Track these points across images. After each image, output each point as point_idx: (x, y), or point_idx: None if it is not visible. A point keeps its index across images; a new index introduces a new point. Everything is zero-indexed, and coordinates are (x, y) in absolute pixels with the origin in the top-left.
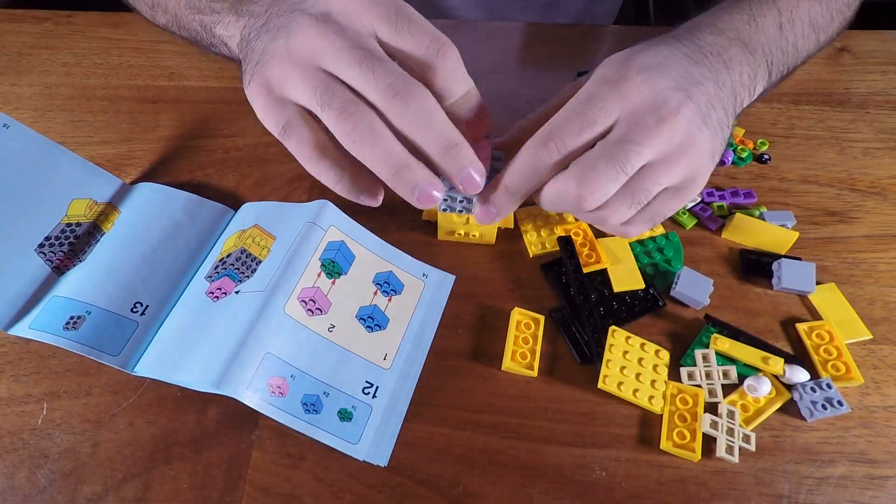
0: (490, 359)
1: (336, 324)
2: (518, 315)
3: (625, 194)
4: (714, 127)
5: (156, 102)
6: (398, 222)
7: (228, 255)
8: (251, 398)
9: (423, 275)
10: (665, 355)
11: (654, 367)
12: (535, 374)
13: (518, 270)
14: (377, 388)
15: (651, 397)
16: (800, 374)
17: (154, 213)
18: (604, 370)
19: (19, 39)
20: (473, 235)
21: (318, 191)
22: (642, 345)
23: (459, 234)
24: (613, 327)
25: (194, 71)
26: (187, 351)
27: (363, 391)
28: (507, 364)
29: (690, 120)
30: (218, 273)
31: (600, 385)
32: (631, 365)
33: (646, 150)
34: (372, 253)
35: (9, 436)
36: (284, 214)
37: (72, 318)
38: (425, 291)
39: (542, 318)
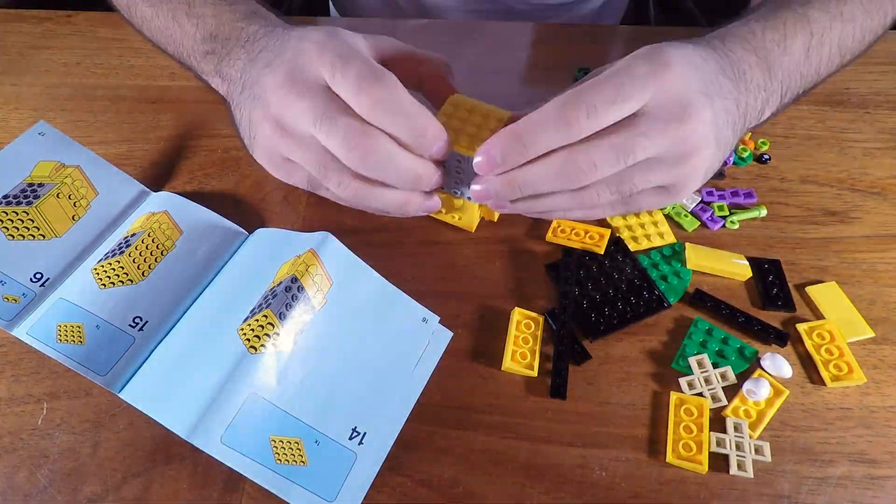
0: (490, 359)
1: (325, 363)
2: (518, 315)
3: (611, 180)
4: (720, 145)
5: (156, 102)
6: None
7: (279, 284)
8: (223, 453)
9: (423, 319)
10: None
11: None
12: (535, 374)
13: (518, 270)
14: (364, 434)
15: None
16: (782, 369)
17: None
18: None
19: (19, 39)
20: (454, 217)
21: None
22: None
23: (441, 212)
24: None
25: None
26: (173, 386)
27: (349, 437)
28: (507, 364)
29: (705, 133)
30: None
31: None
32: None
33: (654, 147)
34: (370, 292)
35: (9, 436)
36: (288, 241)
37: (70, 324)
38: (421, 338)
39: (541, 318)
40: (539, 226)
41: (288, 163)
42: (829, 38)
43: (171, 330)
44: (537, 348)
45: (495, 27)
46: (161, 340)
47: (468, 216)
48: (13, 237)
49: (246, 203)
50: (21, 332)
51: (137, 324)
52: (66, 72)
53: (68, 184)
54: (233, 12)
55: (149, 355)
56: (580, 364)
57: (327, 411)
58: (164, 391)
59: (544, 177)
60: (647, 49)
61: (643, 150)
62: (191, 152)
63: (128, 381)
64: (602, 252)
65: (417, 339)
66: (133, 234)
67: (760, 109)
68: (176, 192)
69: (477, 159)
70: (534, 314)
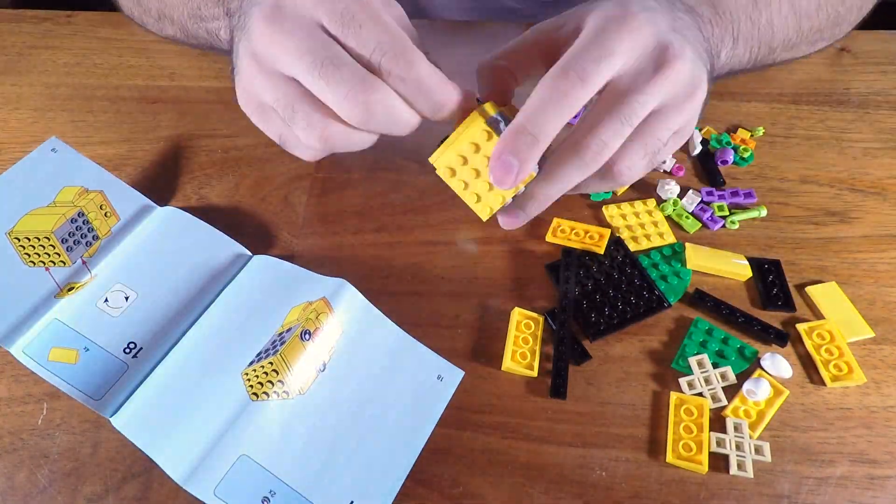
0: (490, 359)
1: (327, 424)
2: (518, 315)
3: (637, 145)
4: (705, 72)
5: (156, 102)
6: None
7: (288, 330)
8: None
9: (438, 377)
10: None
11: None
12: (535, 374)
13: (518, 270)
14: None
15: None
16: (782, 369)
17: (168, 241)
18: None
19: (19, 39)
20: (473, 197)
21: (318, 189)
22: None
23: (461, 181)
24: None
25: (194, 71)
26: (170, 422)
27: None
28: (507, 364)
29: (693, 62)
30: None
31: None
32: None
33: (652, 98)
34: (384, 345)
35: (9, 436)
36: (301, 283)
37: (67, 348)
38: (433, 399)
39: (541, 318)
40: (539, 226)
41: (263, 108)
42: None
43: (166, 355)
44: (537, 348)
45: (494, 28)
46: (155, 367)
47: (487, 200)
48: (33, 263)
49: (245, 204)
50: (17, 350)
51: (131, 350)
52: (66, 72)
53: (95, 210)
54: None
55: (143, 380)
56: (580, 364)
57: (323, 481)
58: (159, 426)
59: (566, 177)
60: (605, 2)
61: (642, 105)
62: (191, 152)
63: (119, 407)
64: (602, 252)
65: (429, 399)
66: (132, 247)
67: (715, 48)
68: (176, 195)
69: (491, 176)
70: (534, 314)
